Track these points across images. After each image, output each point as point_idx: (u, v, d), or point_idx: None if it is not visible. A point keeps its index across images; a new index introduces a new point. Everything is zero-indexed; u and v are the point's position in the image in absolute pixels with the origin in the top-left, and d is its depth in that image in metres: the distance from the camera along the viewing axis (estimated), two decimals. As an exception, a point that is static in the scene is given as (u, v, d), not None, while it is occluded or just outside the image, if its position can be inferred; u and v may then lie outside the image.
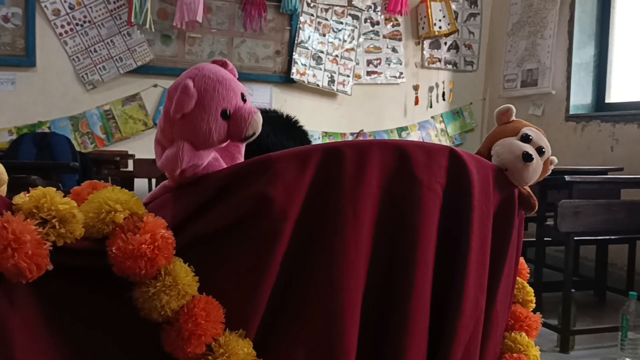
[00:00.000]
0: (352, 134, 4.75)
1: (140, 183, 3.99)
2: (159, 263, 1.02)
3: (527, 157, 1.27)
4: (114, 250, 1.00)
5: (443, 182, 1.20)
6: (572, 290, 3.03)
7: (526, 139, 1.31)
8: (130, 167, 4.21)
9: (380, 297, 1.16)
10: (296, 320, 1.12)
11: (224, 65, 1.18)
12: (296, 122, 1.61)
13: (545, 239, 3.55)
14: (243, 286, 1.10)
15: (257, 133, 1.14)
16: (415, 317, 1.17)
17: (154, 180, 4.03)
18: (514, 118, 1.37)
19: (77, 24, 4.17)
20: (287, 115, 1.56)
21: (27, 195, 0.98)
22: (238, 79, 1.20)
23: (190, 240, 1.09)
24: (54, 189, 0.99)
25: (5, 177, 1.09)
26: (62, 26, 4.14)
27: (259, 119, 1.13)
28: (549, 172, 1.36)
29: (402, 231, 1.16)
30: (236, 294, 1.09)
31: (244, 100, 1.16)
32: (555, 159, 1.35)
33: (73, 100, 4.18)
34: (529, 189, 1.34)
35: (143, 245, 1.00)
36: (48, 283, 0.99)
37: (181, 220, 1.09)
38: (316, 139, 4.66)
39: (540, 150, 1.31)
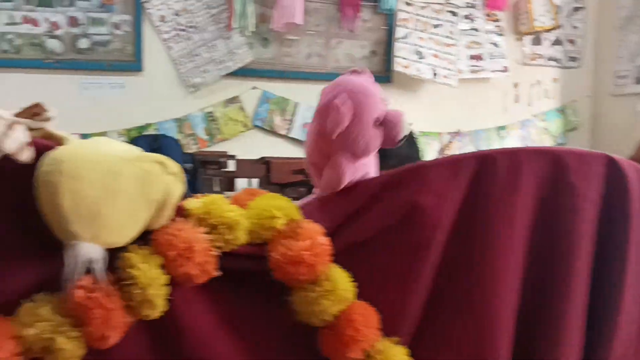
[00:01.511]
0: (449, 133, 4.67)
1: (242, 183, 4.09)
2: (318, 269, 1.04)
3: (691, 164, 1.20)
4: (276, 256, 1.03)
5: (600, 190, 1.15)
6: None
7: (686, 143, 1.24)
8: (230, 167, 4.32)
9: (534, 308, 1.13)
10: (449, 328, 1.11)
11: (360, 74, 1.21)
12: None
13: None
14: (394, 293, 1.10)
15: (406, 134, 1.16)
16: (570, 328, 1.13)
17: (254, 180, 4.12)
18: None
19: (181, 30, 4.31)
20: None
21: (199, 201, 1.02)
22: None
23: (343, 246, 1.10)
24: (221, 196, 1.03)
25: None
26: (167, 31, 4.29)
27: (406, 119, 1.16)
28: None
29: (558, 240, 1.13)
30: (388, 301, 1.10)
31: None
32: None
33: (177, 103, 4.32)
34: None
35: (304, 252, 1.02)
36: (212, 284, 1.02)
37: (334, 226, 1.11)
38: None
39: (703, 156, 1.24)
